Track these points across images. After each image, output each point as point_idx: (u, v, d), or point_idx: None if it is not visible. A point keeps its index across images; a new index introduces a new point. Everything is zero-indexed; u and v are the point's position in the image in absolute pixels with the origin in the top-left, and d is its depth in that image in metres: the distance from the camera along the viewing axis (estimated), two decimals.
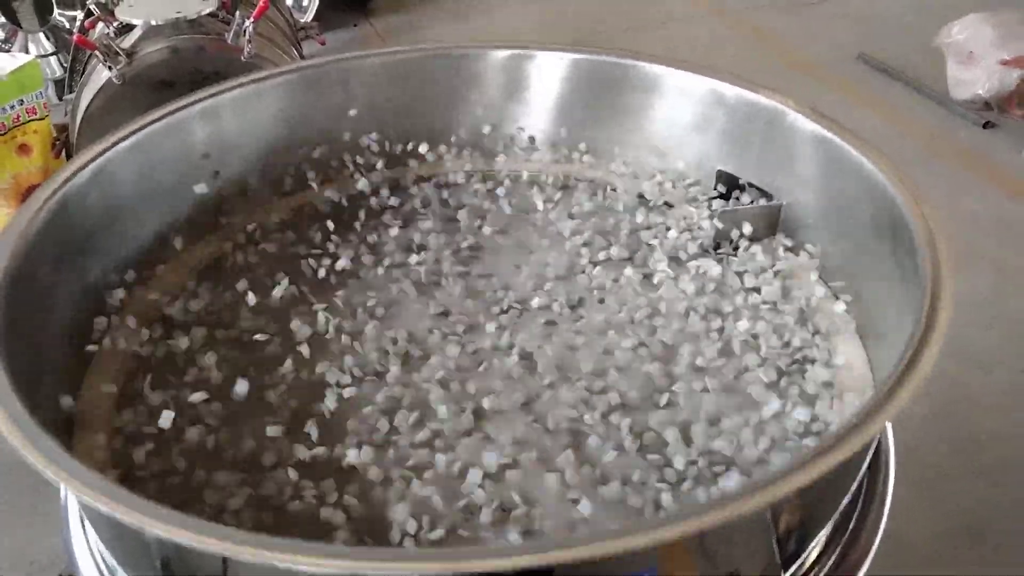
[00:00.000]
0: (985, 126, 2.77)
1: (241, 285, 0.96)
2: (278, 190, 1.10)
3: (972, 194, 2.46)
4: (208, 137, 1.02)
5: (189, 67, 1.98)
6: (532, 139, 1.17)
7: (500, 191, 1.12)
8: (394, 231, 1.07)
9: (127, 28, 2.04)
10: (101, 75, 1.96)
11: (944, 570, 1.51)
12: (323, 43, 2.70)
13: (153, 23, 1.97)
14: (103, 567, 0.77)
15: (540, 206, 1.11)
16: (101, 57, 1.88)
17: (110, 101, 1.94)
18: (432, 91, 1.13)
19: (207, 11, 2.00)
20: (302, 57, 2.37)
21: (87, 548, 0.80)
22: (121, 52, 1.91)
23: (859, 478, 0.73)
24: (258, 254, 1.03)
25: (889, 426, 0.83)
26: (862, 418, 0.59)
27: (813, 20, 3.52)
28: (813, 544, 0.70)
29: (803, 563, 0.69)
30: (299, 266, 1.01)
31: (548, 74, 1.12)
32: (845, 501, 0.71)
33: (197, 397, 0.83)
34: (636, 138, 1.11)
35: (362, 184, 1.11)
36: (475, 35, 3.47)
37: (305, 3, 3.31)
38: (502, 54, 1.11)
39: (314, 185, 1.11)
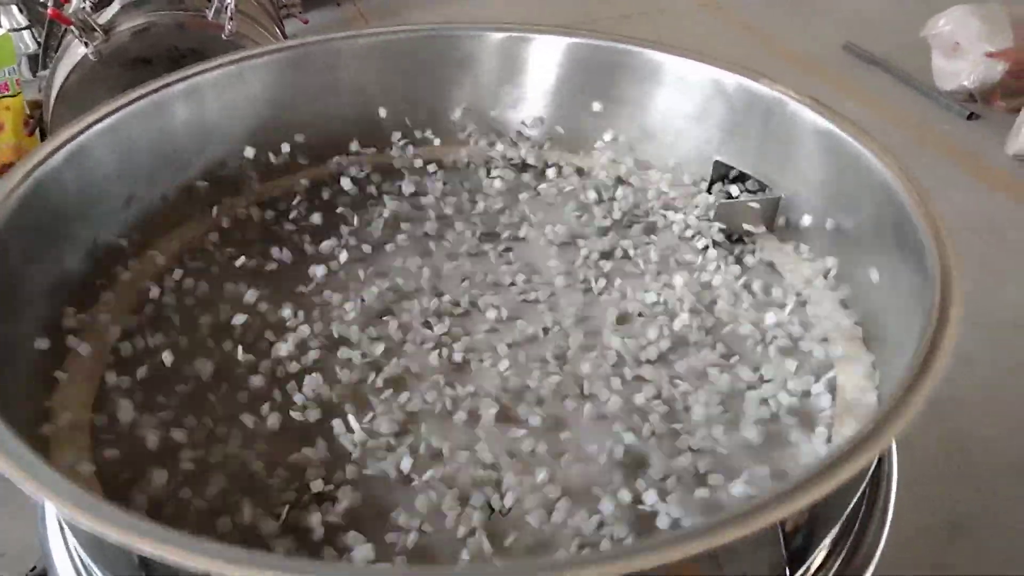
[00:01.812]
0: (969, 117, 2.78)
1: (227, 269, 0.94)
2: (263, 173, 1.06)
3: (955, 186, 2.46)
4: (189, 118, 0.98)
5: (167, 44, 1.93)
6: (526, 124, 1.13)
7: (492, 177, 1.09)
8: (384, 214, 1.04)
9: (104, 3, 1.98)
10: (77, 51, 1.90)
11: (924, 564, 1.51)
12: (306, 22, 2.66)
13: None
14: (80, 566, 0.74)
15: (535, 194, 1.08)
16: (77, 33, 1.83)
17: (86, 78, 1.89)
18: (424, 74, 1.09)
19: None
20: (285, 36, 2.32)
21: (64, 546, 0.76)
22: (98, 28, 1.85)
23: (864, 484, 0.72)
24: (243, 238, 1.00)
25: None
26: (871, 432, 0.57)
27: (800, 13, 3.51)
28: (819, 548, 0.68)
29: (809, 567, 0.68)
30: (287, 248, 0.98)
31: (545, 58, 1.09)
32: (851, 504, 0.70)
33: (178, 388, 0.80)
34: (633, 126, 1.09)
35: (350, 168, 1.07)
36: (459, 20, 3.42)
37: None
38: (497, 36, 1.07)
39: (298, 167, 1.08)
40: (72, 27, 1.83)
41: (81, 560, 0.74)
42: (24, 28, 3.01)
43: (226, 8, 1.89)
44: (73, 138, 0.85)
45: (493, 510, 0.70)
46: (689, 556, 0.47)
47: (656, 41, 1.04)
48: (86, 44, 1.84)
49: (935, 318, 0.65)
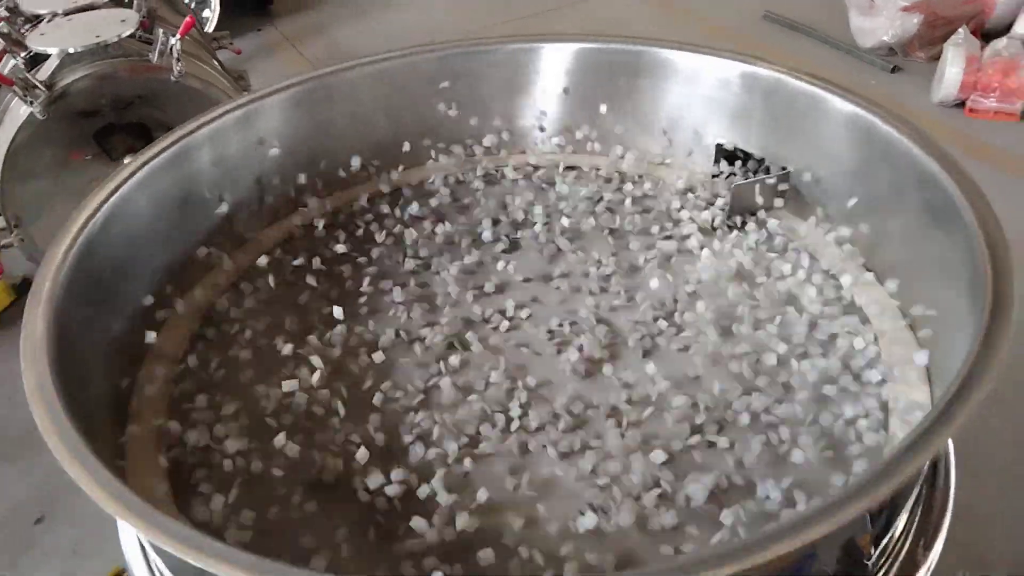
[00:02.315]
0: (893, 71, 2.90)
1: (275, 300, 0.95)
2: (291, 203, 1.08)
3: None
4: (214, 159, 0.98)
5: (112, 94, 1.88)
6: (541, 131, 1.16)
7: (518, 184, 1.11)
8: (422, 230, 1.05)
9: (39, 59, 1.92)
10: (19, 111, 1.84)
11: None
12: (238, 52, 2.61)
13: (71, 51, 1.86)
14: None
15: (559, 195, 1.10)
16: (20, 92, 1.77)
17: (34, 136, 1.83)
18: (434, 94, 1.10)
19: (127, 33, 1.89)
20: (223, 67, 2.28)
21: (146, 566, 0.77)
22: (39, 85, 1.79)
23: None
24: (289, 266, 1.01)
25: None
26: (935, 420, 0.59)
27: None
28: (900, 515, 0.72)
29: (892, 533, 0.71)
30: (325, 278, 0.99)
31: (556, 65, 1.11)
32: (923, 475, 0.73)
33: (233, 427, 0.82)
34: (644, 121, 1.11)
35: (380, 187, 1.10)
36: (383, 32, 3.41)
37: (206, 14, 3.18)
38: (507, 48, 1.09)
39: (310, 199, 1.08)
40: (15, 88, 1.77)
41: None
42: None
43: (171, 49, 1.85)
44: (112, 194, 0.85)
45: None
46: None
47: (660, 39, 1.07)
48: (30, 103, 1.78)
49: (989, 300, 0.66)
